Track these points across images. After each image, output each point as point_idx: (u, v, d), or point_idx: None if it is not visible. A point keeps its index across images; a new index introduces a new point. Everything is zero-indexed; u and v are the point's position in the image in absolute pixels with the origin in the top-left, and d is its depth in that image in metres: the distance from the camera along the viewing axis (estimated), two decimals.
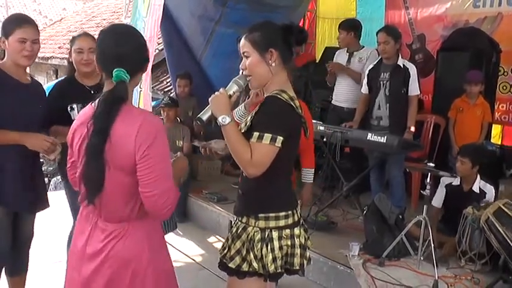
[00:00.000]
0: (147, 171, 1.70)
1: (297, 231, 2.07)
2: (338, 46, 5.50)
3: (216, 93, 2.00)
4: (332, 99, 5.40)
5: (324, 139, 4.49)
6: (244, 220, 2.08)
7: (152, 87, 6.77)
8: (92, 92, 3.11)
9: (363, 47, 5.23)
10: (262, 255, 2.00)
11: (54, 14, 21.12)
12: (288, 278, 2.25)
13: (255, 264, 2.01)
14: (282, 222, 2.03)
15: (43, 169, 3.91)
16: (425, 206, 3.58)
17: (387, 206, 3.90)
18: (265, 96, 2.07)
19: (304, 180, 3.43)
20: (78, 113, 3.03)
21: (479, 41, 5.35)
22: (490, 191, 3.97)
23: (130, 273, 1.78)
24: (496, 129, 6.09)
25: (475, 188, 3.98)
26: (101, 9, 17.31)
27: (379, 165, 4.75)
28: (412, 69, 4.56)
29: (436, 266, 3.39)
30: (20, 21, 2.68)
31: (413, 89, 4.54)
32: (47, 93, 3.04)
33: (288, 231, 2.04)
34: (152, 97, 5.18)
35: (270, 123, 1.94)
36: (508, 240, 3.30)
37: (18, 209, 2.81)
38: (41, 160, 3.09)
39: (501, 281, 3.35)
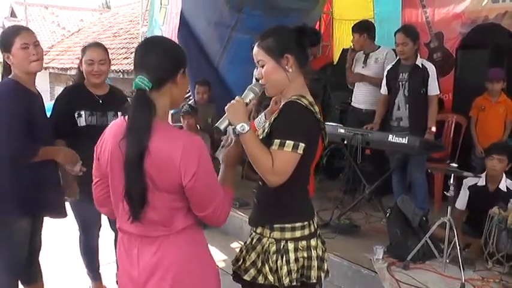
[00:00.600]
0: (196, 197, 1.67)
1: (313, 242, 1.98)
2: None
3: (232, 101, 1.94)
4: (351, 101, 5.37)
5: (345, 142, 4.47)
6: (259, 231, 2.02)
7: None
8: (101, 101, 3.16)
9: (379, 47, 5.19)
10: (277, 267, 1.93)
11: (72, 25, 21.52)
12: None
13: (270, 277, 1.94)
14: (298, 233, 1.95)
15: None
16: (449, 207, 3.52)
17: (410, 208, 3.85)
18: (283, 102, 2.00)
19: None
20: (85, 120, 3.08)
21: (499, 37, 5.26)
22: None
23: (186, 275, 1.73)
24: None
25: (502, 187, 3.91)
26: (117, 19, 17.55)
27: (400, 167, 4.71)
28: (431, 69, 4.51)
29: (463, 268, 3.34)
30: (16, 30, 2.72)
31: (433, 88, 4.49)
32: None
33: (304, 242, 1.96)
34: None
35: (291, 129, 1.86)
36: None
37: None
38: None
39: None
